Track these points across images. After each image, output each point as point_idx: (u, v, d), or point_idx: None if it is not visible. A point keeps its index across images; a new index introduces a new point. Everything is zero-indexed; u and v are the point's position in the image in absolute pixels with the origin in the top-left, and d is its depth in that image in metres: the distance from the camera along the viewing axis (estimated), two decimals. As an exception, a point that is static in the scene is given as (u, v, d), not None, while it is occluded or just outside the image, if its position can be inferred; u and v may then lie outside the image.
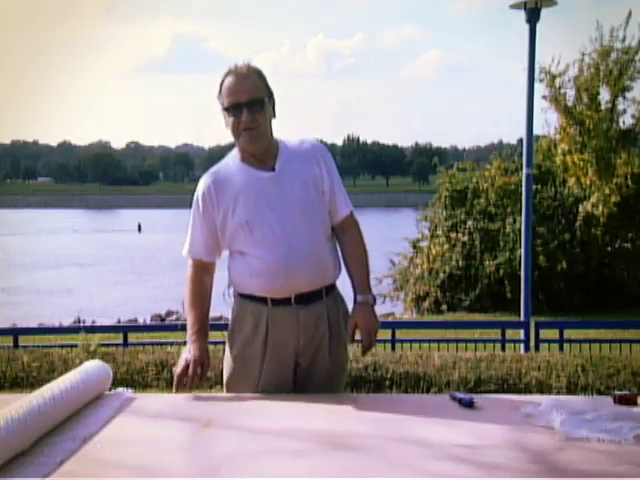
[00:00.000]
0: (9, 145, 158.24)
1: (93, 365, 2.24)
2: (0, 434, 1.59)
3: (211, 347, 5.32)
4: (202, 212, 2.34)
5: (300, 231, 2.29)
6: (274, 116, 2.36)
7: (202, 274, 2.39)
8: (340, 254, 2.45)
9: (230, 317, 2.42)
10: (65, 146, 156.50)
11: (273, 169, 2.32)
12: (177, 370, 2.27)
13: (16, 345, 6.37)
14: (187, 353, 2.30)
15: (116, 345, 6.14)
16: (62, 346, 5.68)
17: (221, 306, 2.51)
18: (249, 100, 2.24)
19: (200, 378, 2.29)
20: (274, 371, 2.32)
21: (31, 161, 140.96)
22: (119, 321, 14.81)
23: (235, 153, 2.38)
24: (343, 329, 2.40)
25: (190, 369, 2.25)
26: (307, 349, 2.34)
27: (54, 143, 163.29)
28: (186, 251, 2.40)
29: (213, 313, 2.48)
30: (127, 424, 1.99)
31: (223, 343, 2.56)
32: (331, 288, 2.40)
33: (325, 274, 2.36)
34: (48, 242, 39.39)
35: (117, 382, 2.34)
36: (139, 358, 5.40)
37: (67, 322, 13.93)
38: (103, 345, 5.72)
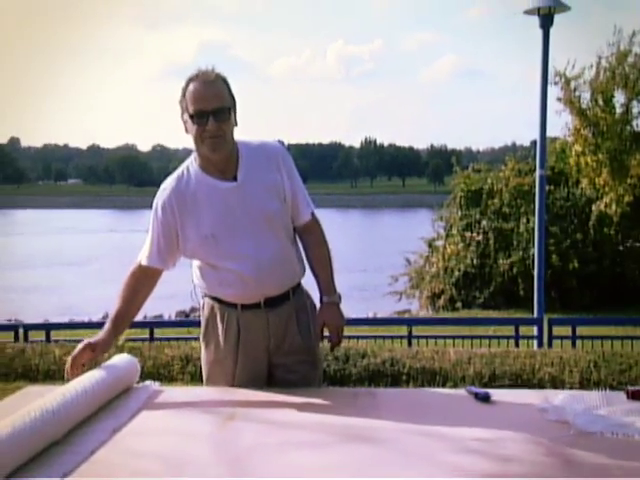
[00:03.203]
0: (41, 148, 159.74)
1: (122, 359, 2.26)
2: (36, 425, 1.62)
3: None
4: (161, 221, 2.24)
5: (266, 240, 2.23)
6: (236, 124, 2.24)
7: (145, 279, 2.29)
8: (303, 254, 2.40)
9: (201, 317, 2.38)
10: (94, 149, 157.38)
11: (235, 178, 2.22)
12: (73, 352, 2.14)
13: (48, 339, 6.44)
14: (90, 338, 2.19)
15: (143, 340, 6.18)
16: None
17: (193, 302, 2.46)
18: (215, 108, 2.13)
19: (88, 360, 2.15)
20: (248, 371, 2.30)
21: (62, 164, 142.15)
22: (145, 317, 14.87)
23: (193, 161, 2.27)
24: (312, 324, 2.36)
25: (79, 347, 2.13)
26: (279, 348, 2.32)
27: (84, 146, 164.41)
28: (142, 259, 2.28)
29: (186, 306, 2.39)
30: (155, 416, 2.00)
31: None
32: (297, 287, 2.37)
33: (292, 277, 2.34)
34: (67, 241, 39.45)
35: (144, 376, 2.34)
36: (165, 352, 5.44)
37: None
38: (130, 340, 5.76)
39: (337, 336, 2.35)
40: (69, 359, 2.12)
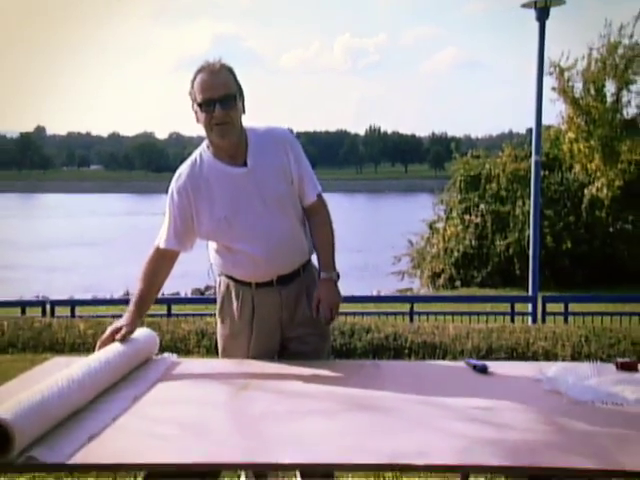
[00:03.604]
0: (65, 136, 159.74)
1: (142, 332, 2.26)
2: (62, 393, 1.63)
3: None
4: (177, 206, 2.24)
5: (277, 222, 2.23)
6: (244, 112, 2.22)
7: (163, 260, 2.28)
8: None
9: (217, 294, 2.38)
10: (114, 137, 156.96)
11: (245, 163, 2.21)
12: (102, 337, 2.13)
13: (73, 315, 6.48)
14: (116, 322, 2.20)
15: (161, 316, 6.22)
16: (113, 316, 5.75)
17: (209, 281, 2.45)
18: (222, 96, 2.12)
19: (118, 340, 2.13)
20: (261, 345, 2.31)
21: (84, 150, 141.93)
22: (163, 294, 14.88)
23: (206, 148, 2.26)
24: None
25: (106, 332, 2.13)
26: (292, 320, 2.32)
27: (105, 134, 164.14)
28: (160, 242, 2.27)
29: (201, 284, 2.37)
30: (173, 386, 2.01)
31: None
32: (307, 264, 2.36)
33: (302, 255, 2.33)
34: (89, 224, 39.22)
35: (162, 349, 2.35)
36: (181, 327, 5.47)
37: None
38: (149, 315, 5.78)
39: (330, 312, 2.30)
40: (98, 343, 2.12)
